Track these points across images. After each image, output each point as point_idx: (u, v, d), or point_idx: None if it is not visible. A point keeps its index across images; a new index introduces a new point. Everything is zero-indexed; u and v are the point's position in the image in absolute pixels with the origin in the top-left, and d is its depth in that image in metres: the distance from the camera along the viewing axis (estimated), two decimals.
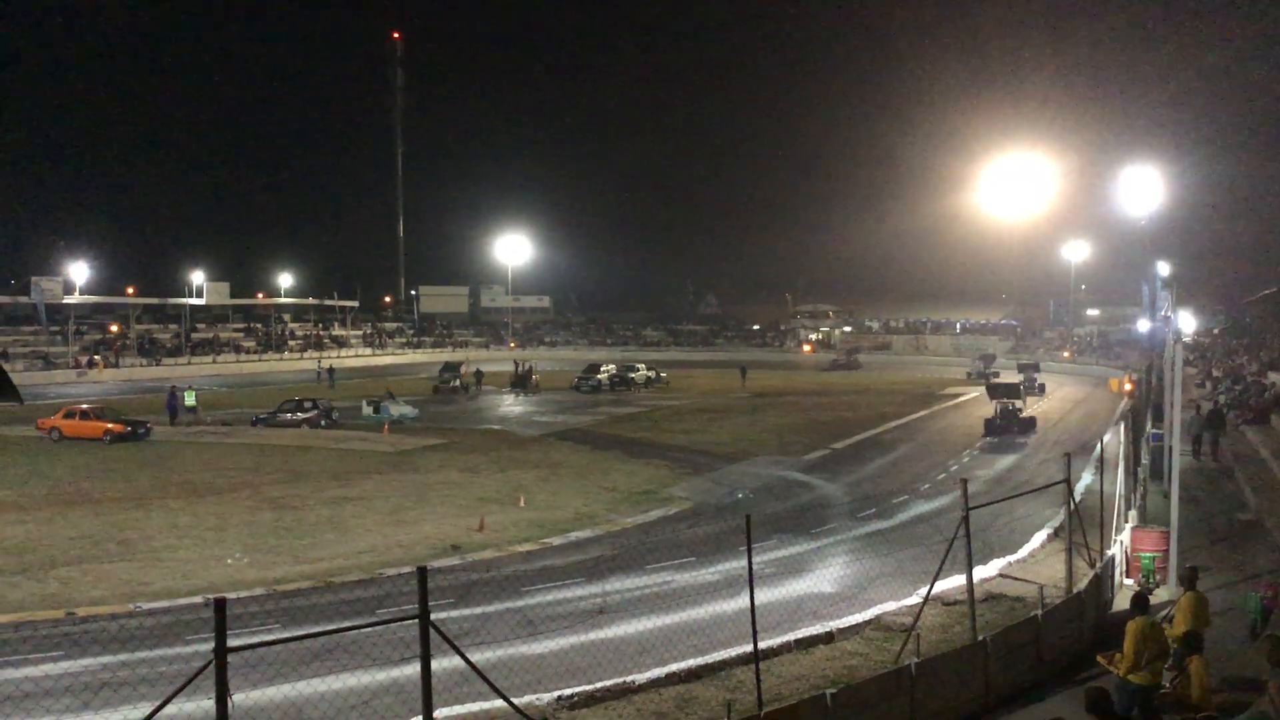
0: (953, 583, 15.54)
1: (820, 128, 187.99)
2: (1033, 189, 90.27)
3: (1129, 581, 17.86)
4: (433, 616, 8.10)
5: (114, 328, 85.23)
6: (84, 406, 40.40)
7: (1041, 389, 60.14)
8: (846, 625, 15.00)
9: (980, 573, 16.64)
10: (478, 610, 16.98)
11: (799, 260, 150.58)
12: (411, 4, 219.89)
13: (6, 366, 53.67)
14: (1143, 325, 56.01)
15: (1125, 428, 22.97)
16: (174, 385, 48.45)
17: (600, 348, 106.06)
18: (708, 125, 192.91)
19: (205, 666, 6.93)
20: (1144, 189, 39.66)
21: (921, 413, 51.15)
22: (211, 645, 6.90)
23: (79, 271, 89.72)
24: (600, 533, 23.92)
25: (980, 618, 13.76)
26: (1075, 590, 15.14)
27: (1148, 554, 17.66)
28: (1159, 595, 16.46)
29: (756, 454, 36.26)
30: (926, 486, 29.59)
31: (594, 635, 15.47)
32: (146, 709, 7.16)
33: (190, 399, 45.43)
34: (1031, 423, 42.10)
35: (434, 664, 8.17)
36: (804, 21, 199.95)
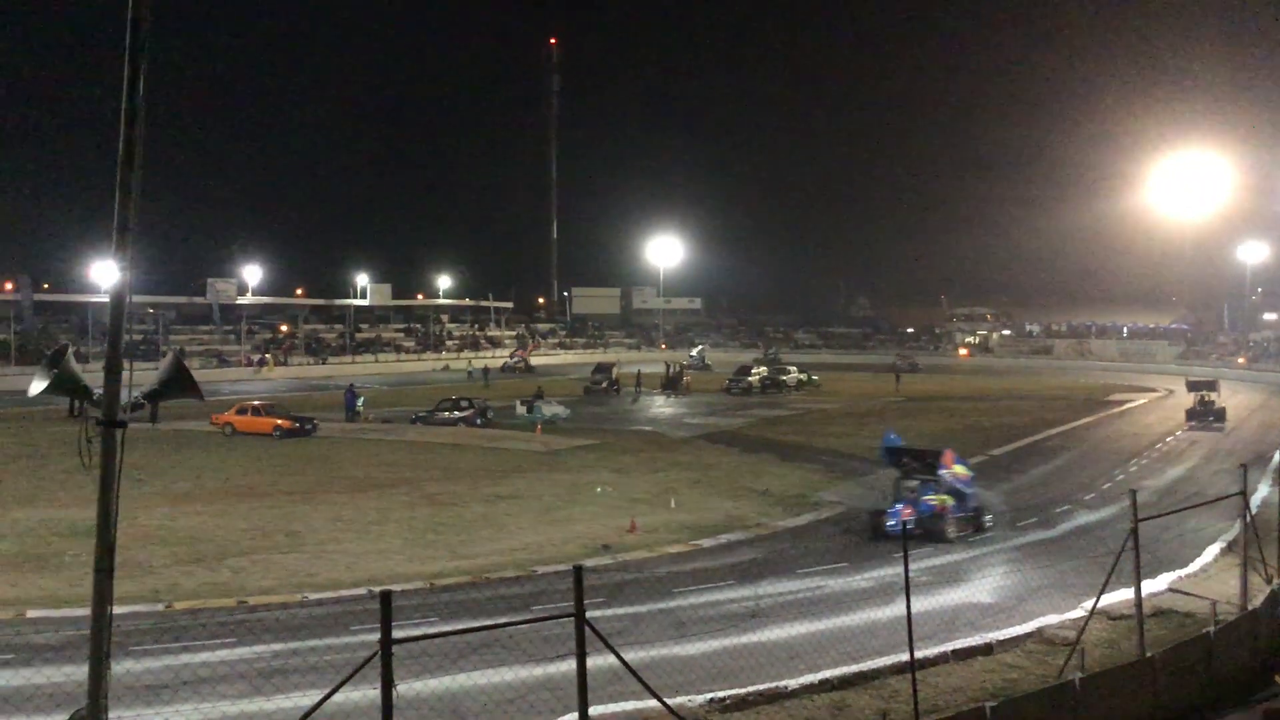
0: (1118, 597, 14.94)
1: (978, 126, 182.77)
2: (1206, 187, 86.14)
3: None
4: (586, 615, 8.20)
5: (283, 327, 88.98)
6: (255, 403, 42.31)
7: None
8: (1006, 637, 14.60)
9: (1148, 587, 15.96)
10: (629, 610, 17.10)
11: (954, 261, 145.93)
12: (568, 10, 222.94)
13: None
14: None
15: None
16: (352, 383, 50.45)
17: (751, 350, 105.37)
18: (861, 126, 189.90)
19: (372, 657, 7.13)
20: None
21: (1086, 419, 49.32)
22: (377, 636, 7.11)
23: (252, 274, 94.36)
24: (751, 535, 23.83)
25: (1148, 633, 13.20)
26: (1250, 607, 14.40)
27: None
28: None
29: None
30: (1091, 496, 28.53)
31: (744, 639, 15.42)
32: (315, 696, 7.42)
33: (359, 404, 47.31)
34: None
35: (588, 661, 8.26)
36: (962, 19, 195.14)
